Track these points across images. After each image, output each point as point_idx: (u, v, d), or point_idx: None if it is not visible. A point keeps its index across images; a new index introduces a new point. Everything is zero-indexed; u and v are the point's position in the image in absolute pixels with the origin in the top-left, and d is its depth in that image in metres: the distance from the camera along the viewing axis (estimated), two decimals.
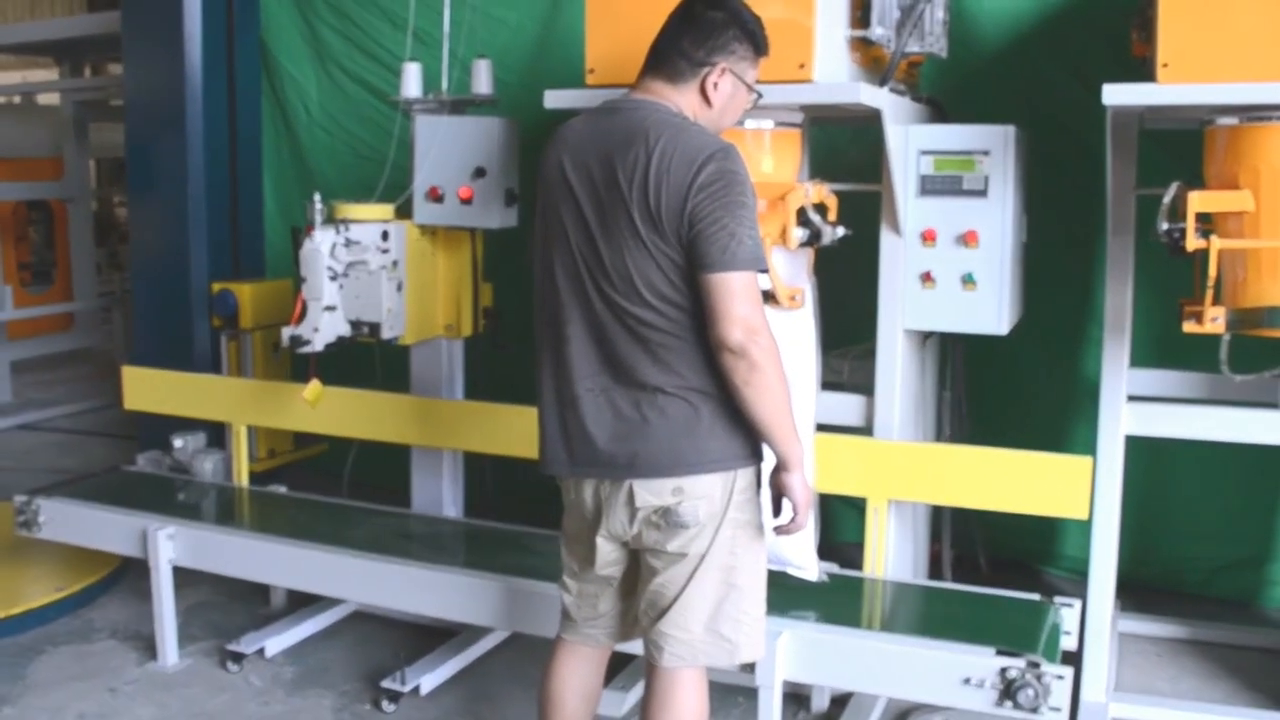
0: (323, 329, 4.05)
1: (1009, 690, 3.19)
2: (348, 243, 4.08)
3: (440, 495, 4.78)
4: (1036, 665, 3.18)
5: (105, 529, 4.46)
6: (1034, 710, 3.16)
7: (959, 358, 4.55)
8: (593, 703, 3.12)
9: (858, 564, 4.01)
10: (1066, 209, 4.75)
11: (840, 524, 5.47)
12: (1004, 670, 3.19)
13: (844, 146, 4.93)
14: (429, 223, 4.48)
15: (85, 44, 8.85)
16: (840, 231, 3.65)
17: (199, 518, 4.60)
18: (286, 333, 4.08)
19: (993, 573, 4.86)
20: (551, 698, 3.05)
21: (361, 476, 5.36)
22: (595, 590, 2.99)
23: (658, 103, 2.72)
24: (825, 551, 4.21)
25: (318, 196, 4.06)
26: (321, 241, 3.99)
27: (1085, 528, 4.85)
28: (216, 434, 5.58)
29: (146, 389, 5.19)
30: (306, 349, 4.04)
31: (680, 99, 2.75)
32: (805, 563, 3.59)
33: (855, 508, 5.38)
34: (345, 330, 4.15)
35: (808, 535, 3.53)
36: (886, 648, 3.36)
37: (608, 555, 2.89)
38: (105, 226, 13.34)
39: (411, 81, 4.57)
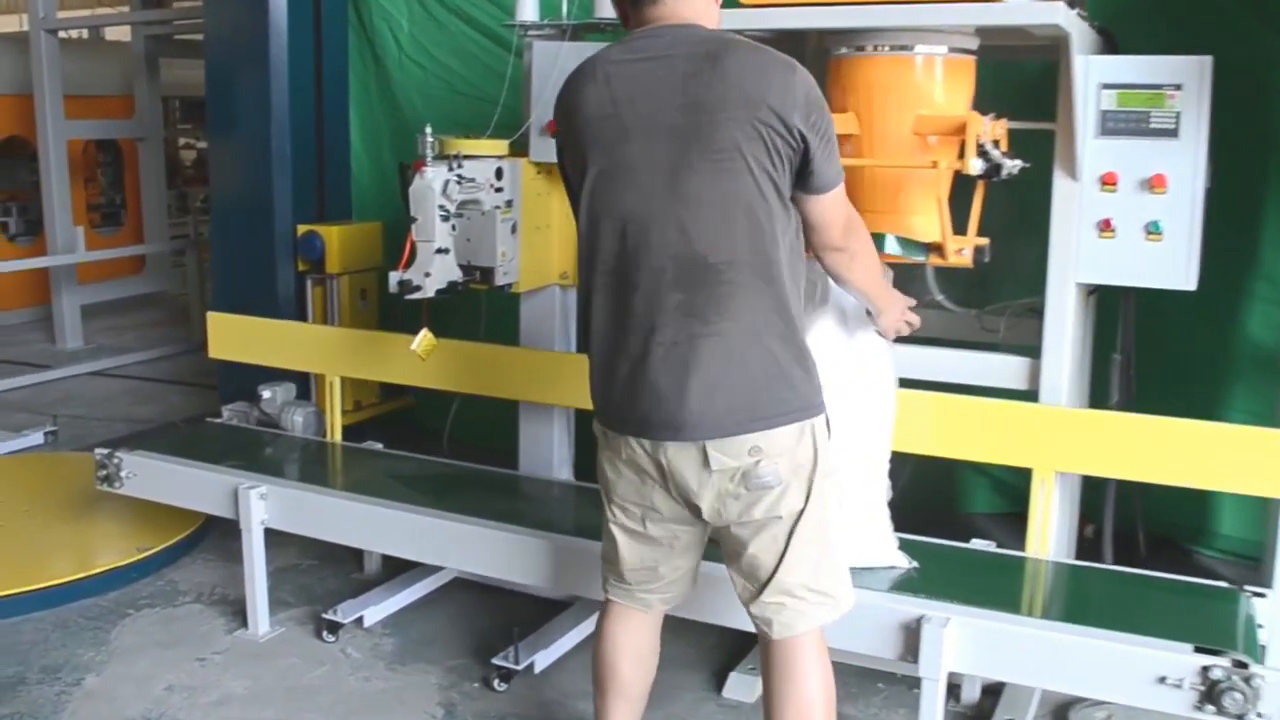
0: (435, 274, 3.70)
1: (1212, 693, 2.82)
2: (460, 180, 3.72)
3: (550, 455, 4.44)
4: (1244, 665, 2.80)
5: (192, 486, 4.16)
6: (1240, 716, 2.79)
7: (1130, 316, 4.13)
8: (649, 666, 2.93)
9: (990, 538, 3.75)
10: (1238, 155, 4.30)
11: (968, 493, 5.10)
12: (1206, 670, 2.82)
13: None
14: (547, 160, 4.08)
15: None
16: (1018, 164, 3.29)
17: (292, 476, 4.27)
18: (395, 277, 3.73)
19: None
20: (606, 664, 2.88)
21: (459, 433, 5.05)
22: (653, 554, 2.76)
23: (696, 24, 2.56)
24: (949, 524, 3.95)
25: (429, 129, 3.69)
26: (434, 178, 3.63)
27: (1246, 505, 4.48)
28: (302, 386, 5.29)
29: (232, 337, 4.88)
30: (417, 295, 3.70)
31: (701, 13, 2.59)
32: (891, 557, 3.35)
33: (986, 475, 5.01)
34: (457, 275, 3.80)
35: (887, 529, 3.36)
36: (1070, 641, 2.99)
37: (673, 515, 2.68)
38: (171, 168, 13.10)
39: (528, 5, 4.19)
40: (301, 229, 5.83)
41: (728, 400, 2.47)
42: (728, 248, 2.45)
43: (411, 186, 3.66)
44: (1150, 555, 4.37)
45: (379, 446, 4.66)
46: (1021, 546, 3.59)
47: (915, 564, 3.36)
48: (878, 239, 3.18)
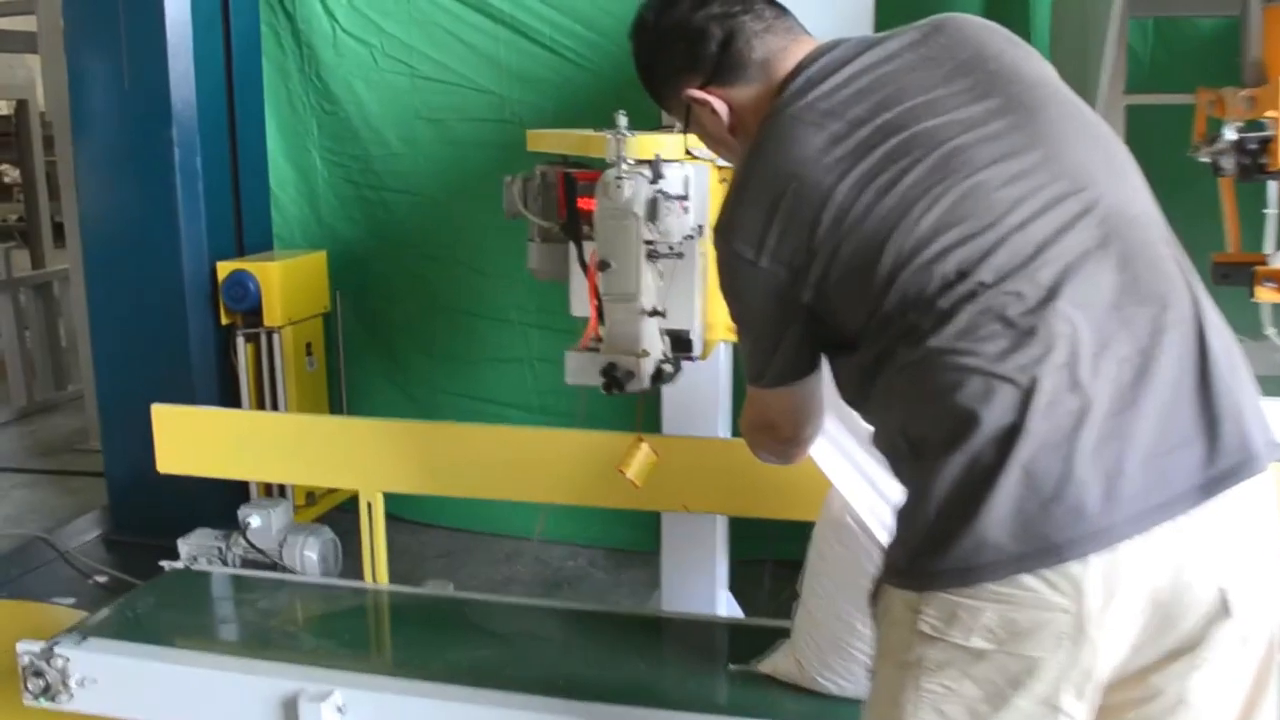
0: (652, 349, 2.30)
1: None
2: (664, 196, 2.33)
3: (710, 585, 3.08)
4: None
5: (202, 695, 2.62)
6: None
7: None
8: None
9: None
10: None
11: None
12: None
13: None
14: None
15: None
16: None
17: (373, 664, 2.78)
18: (577, 361, 2.32)
19: None
20: None
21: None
22: None
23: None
24: None
25: (623, 116, 2.26)
26: (635, 195, 2.23)
27: None
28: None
29: (194, 440, 3.27)
30: (633, 388, 2.29)
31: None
32: None
33: None
34: (667, 348, 2.40)
35: None
36: None
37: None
38: None
39: None
40: (224, 267, 4.30)
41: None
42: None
43: (598, 209, 2.25)
44: None
45: (450, 587, 3.19)
46: None
47: None
48: None
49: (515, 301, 4.63)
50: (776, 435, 1.88)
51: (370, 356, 4.86)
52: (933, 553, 1.44)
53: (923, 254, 1.49)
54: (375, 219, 4.77)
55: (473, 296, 4.70)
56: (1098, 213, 1.50)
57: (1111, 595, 1.40)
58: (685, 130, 1.92)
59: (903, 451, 1.57)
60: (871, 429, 1.74)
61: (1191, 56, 3.74)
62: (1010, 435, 1.40)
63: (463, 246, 4.66)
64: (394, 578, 3.18)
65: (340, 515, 4.45)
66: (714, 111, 1.78)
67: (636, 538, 4.63)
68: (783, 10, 1.79)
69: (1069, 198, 1.51)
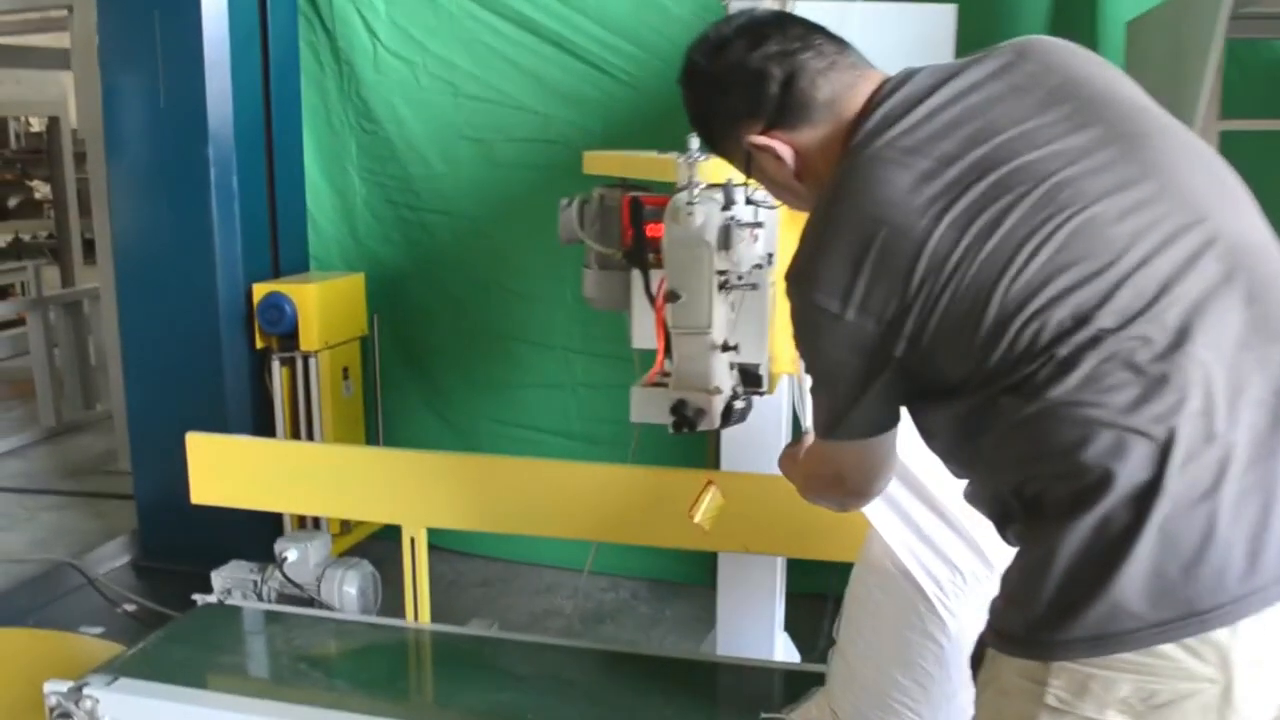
0: (724, 385, 2.17)
1: None
2: (736, 224, 2.20)
3: (768, 626, 2.94)
4: None
5: None
6: None
7: None
8: None
9: None
10: None
11: None
12: None
13: None
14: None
15: None
16: None
17: (403, 705, 2.64)
18: (643, 398, 2.19)
19: None
20: None
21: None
22: None
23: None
24: None
25: (695, 138, 2.14)
26: (707, 222, 2.10)
27: None
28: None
29: (232, 469, 3.16)
30: (704, 427, 2.16)
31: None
32: None
33: None
34: (736, 383, 2.27)
35: None
36: None
37: None
38: None
39: None
40: (260, 289, 4.19)
41: None
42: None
43: (668, 237, 2.12)
44: None
45: (494, 626, 3.06)
46: None
47: None
48: None
49: (558, 326, 4.51)
50: (843, 488, 1.76)
51: (408, 382, 4.74)
52: (1059, 620, 1.32)
53: (1035, 300, 1.36)
54: (414, 241, 4.65)
55: (514, 321, 4.58)
56: (1220, 245, 1.37)
57: (1260, 664, 1.28)
58: (747, 178, 1.78)
59: (1014, 511, 1.45)
60: (953, 478, 1.63)
61: (1261, 78, 3.61)
62: (1147, 493, 1.28)
63: (504, 269, 4.55)
64: (432, 608, 3.04)
65: (375, 543, 4.34)
66: (777, 157, 1.64)
67: (681, 570, 4.50)
68: (844, 44, 1.65)
69: (1189, 230, 1.38)
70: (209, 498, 3.15)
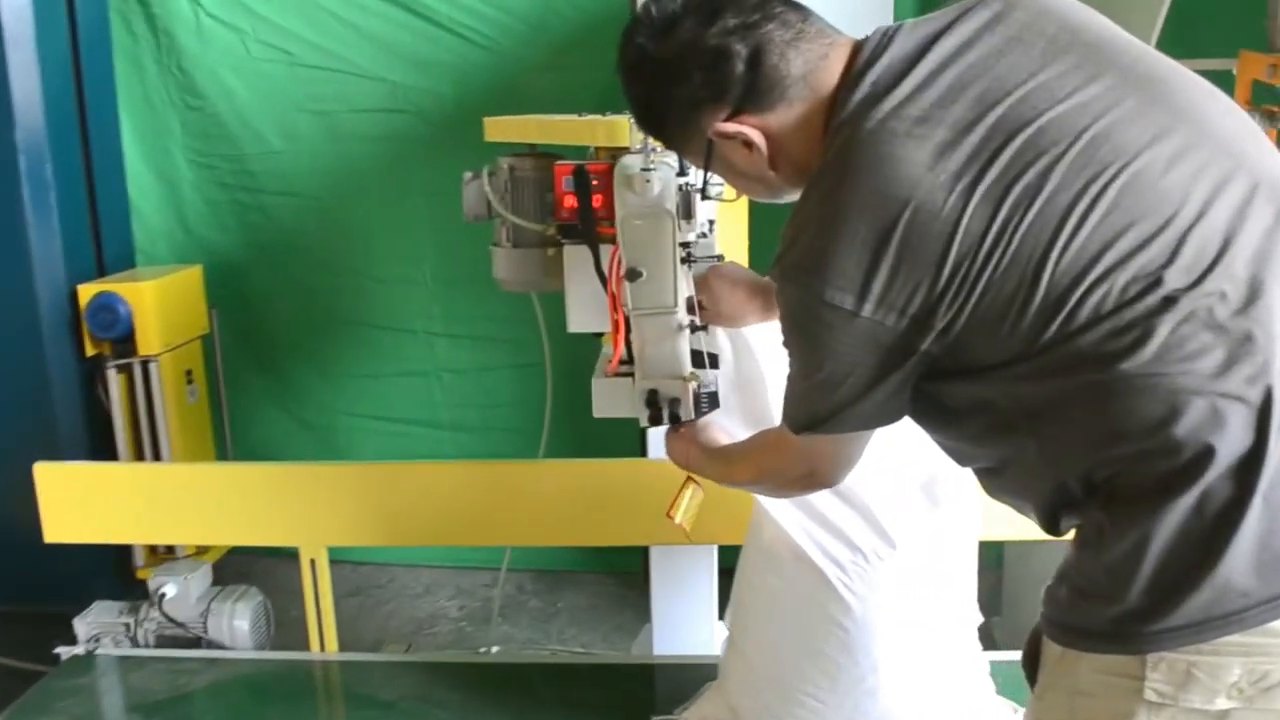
0: (697, 372, 1.93)
1: None
2: (691, 190, 1.97)
3: (708, 617, 2.73)
4: None
5: None
6: None
7: None
8: None
9: None
10: None
11: None
12: None
13: None
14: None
15: None
16: None
17: None
18: (607, 390, 1.94)
19: None
20: None
21: None
22: None
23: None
24: None
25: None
26: (665, 188, 1.86)
27: None
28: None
29: (86, 500, 2.76)
30: (684, 417, 1.91)
31: None
32: None
33: None
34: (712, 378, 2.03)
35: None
36: None
37: None
38: None
39: None
40: (87, 290, 3.77)
41: None
42: None
43: (623, 211, 1.87)
44: None
45: (408, 648, 2.78)
46: None
47: None
48: None
49: (417, 309, 4.22)
50: (810, 482, 1.63)
51: (255, 381, 4.36)
52: (1156, 610, 1.24)
53: (1094, 269, 1.23)
54: (252, 226, 4.25)
55: (368, 306, 4.26)
56: (1265, 188, 1.29)
57: None
58: (707, 171, 1.56)
59: (1078, 501, 1.32)
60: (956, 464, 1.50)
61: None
62: (1249, 463, 1.20)
63: (354, 252, 4.21)
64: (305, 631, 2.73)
65: (235, 558, 3.98)
66: (747, 144, 1.45)
67: (566, 558, 4.28)
68: (805, 11, 1.46)
69: (1235, 175, 1.28)
70: (65, 535, 2.75)
